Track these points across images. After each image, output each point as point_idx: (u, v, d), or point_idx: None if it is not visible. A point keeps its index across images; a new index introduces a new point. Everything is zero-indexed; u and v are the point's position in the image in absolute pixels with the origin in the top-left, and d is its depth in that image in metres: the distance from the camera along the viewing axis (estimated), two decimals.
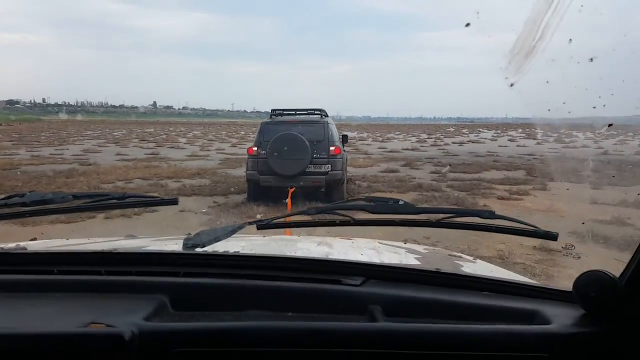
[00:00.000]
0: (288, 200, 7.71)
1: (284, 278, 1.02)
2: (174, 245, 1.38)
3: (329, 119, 8.98)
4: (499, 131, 53.58)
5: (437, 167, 14.90)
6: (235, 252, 1.21)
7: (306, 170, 8.10)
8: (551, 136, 38.49)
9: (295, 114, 9.20)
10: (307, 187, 8.17)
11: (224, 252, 1.18)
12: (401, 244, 1.84)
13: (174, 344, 0.82)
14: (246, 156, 8.86)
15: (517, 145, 27.82)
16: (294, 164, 8.01)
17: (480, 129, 61.07)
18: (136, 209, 8.13)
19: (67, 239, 1.86)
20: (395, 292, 0.99)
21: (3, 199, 1.27)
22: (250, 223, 1.23)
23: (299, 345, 0.84)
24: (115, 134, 38.91)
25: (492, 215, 1.18)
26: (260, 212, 7.56)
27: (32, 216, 1.28)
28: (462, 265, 1.54)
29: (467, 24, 1.37)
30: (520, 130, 57.11)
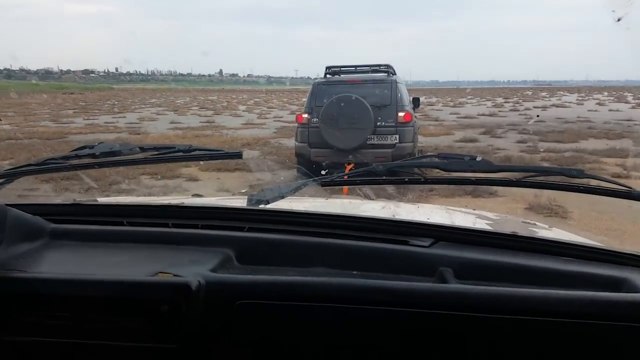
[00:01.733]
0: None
1: (350, 237, 1.02)
2: (239, 202, 1.47)
3: (397, 77, 7.27)
4: (582, 94, 48.86)
5: (522, 136, 12.79)
6: (299, 209, 1.21)
7: (368, 142, 6.54)
8: None
9: (356, 71, 7.54)
10: (368, 164, 6.65)
11: (289, 209, 1.18)
12: (470, 210, 1.79)
13: (238, 296, 0.83)
14: (296, 125, 7.45)
15: (610, 110, 24.45)
16: (352, 134, 6.47)
17: (561, 92, 56.19)
18: (174, 181, 7.10)
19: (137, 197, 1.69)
20: (467, 255, 0.97)
21: (74, 150, 1.27)
22: (314, 180, 1.20)
23: (366, 303, 0.82)
24: (178, 101, 39.07)
25: (580, 173, 1.11)
26: (305, 193, 6.18)
27: (101, 167, 1.29)
28: (537, 232, 1.48)
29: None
30: (606, 93, 51.77)
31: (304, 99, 30.63)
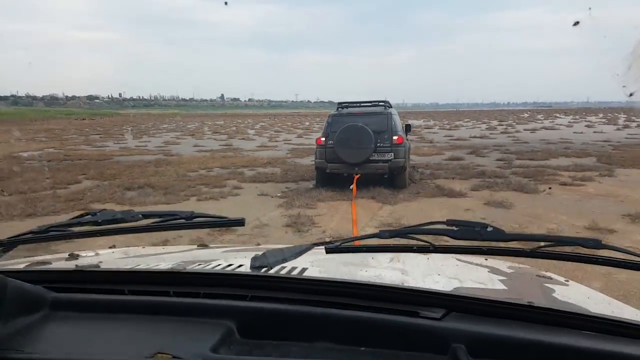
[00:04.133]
0: (353, 186, 8.32)
1: (356, 307, 0.96)
2: (243, 258, 1.42)
3: (392, 110, 9.45)
4: (577, 117, 50.92)
5: (504, 155, 14.84)
6: (304, 275, 1.18)
7: (370, 158, 8.64)
8: (635, 121, 36.15)
9: (360, 106, 9.78)
10: (371, 174, 8.74)
11: (293, 274, 1.17)
12: (482, 259, 1.65)
13: None
14: (314, 146, 9.58)
15: (595, 132, 26.53)
16: (359, 152, 8.59)
17: (557, 115, 58.26)
18: (225, 189, 9.18)
19: (144, 247, 1.97)
20: (480, 330, 0.90)
21: (76, 217, 1.33)
22: (318, 245, 1.18)
23: None
24: (189, 126, 41.42)
25: (597, 244, 1.07)
26: (328, 197, 8.25)
27: (103, 235, 1.29)
28: (554, 290, 1.40)
29: (576, 23, 1.15)
30: (601, 115, 53.88)
31: (307, 123, 33.38)
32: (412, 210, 7.17)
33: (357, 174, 8.61)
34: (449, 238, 1.11)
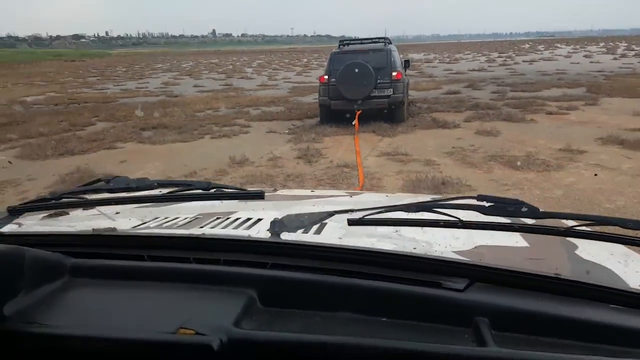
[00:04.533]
0: (356, 121, 8.93)
1: (378, 276, 0.95)
2: (262, 210, 1.46)
3: (391, 46, 9.84)
4: (577, 46, 50.39)
5: (499, 88, 15.29)
6: (325, 242, 1.14)
7: (371, 94, 9.18)
8: (634, 50, 35.99)
9: (361, 44, 10.16)
10: (372, 109, 9.31)
11: (314, 242, 1.12)
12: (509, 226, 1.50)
13: (263, 357, 0.82)
14: (314, 84, 10.09)
15: (591, 62, 26.68)
16: (360, 89, 9.09)
17: (559, 45, 57.54)
18: (234, 127, 9.80)
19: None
20: (505, 302, 0.89)
21: (89, 184, 1.30)
22: (339, 212, 1.16)
23: None
24: (184, 65, 41.03)
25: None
26: (333, 132, 8.88)
27: (117, 204, 1.26)
28: (585, 261, 1.28)
29: None
30: (602, 44, 53.33)
31: (304, 60, 33.23)
32: (409, 141, 7.84)
33: (358, 110, 9.18)
34: (478, 213, 1.05)
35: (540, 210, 1.02)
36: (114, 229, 1.24)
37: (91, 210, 1.49)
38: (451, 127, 8.81)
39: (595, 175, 5.52)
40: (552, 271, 0.96)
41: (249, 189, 1.32)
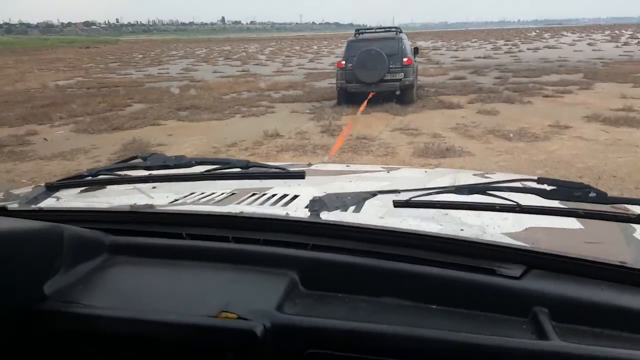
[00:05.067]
0: (364, 102, 9.96)
1: (427, 261, 0.90)
2: (297, 187, 1.44)
3: (402, 35, 10.89)
4: (583, 34, 50.78)
5: (502, 74, 16.20)
6: (368, 223, 1.04)
7: (384, 78, 10.23)
8: (638, 37, 36.37)
9: (375, 32, 11.22)
10: (385, 92, 10.37)
11: (356, 223, 1.03)
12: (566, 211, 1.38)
13: (307, 344, 0.79)
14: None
15: (594, 50, 27.37)
16: (375, 73, 10.13)
17: (565, 33, 57.75)
18: (260, 108, 10.91)
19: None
20: (564, 291, 0.83)
21: (125, 160, 1.28)
22: (383, 192, 1.10)
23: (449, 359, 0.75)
24: (198, 52, 42.04)
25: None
26: (347, 113, 9.95)
27: (155, 182, 1.27)
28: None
29: None
30: (607, 32, 53.60)
31: (315, 47, 33.94)
32: (418, 119, 8.91)
33: (372, 92, 10.25)
34: (536, 197, 0.97)
35: (609, 195, 0.95)
36: (152, 206, 1.23)
37: (127, 186, 1.47)
38: (455, 108, 9.88)
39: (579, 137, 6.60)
40: (614, 258, 0.90)
41: (289, 169, 1.25)
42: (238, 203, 1.36)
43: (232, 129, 8.79)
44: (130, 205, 1.22)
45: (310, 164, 2.20)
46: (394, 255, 0.93)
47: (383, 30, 11.35)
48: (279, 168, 1.22)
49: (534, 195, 0.96)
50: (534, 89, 12.10)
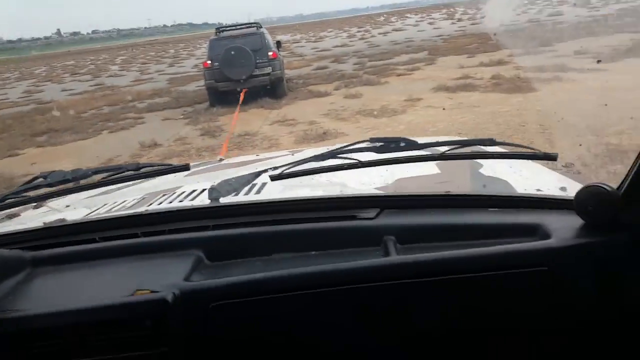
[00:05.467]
0: (240, 99, 10.02)
1: (304, 220, 1.10)
2: (205, 182, 1.57)
3: (264, 30, 11.08)
4: (424, 15, 55.86)
5: (359, 59, 17.33)
6: (256, 200, 1.29)
7: (253, 73, 10.34)
8: (468, 14, 41.29)
9: (236, 29, 11.28)
10: (256, 87, 10.50)
11: (247, 201, 1.27)
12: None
13: (210, 299, 0.91)
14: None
15: (434, 28, 30.34)
16: (243, 69, 10.17)
17: (409, 15, 62.93)
18: (128, 121, 10.32)
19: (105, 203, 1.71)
20: (407, 221, 1.06)
21: (28, 182, 1.33)
22: (261, 172, 1.24)
23: (322, 287, 0.92)
24: (37, 71, 37.84)
25: (492, 142, 1.20)
26: (222, 113, 9.92)
27: (60, 196, 1.34)
28: (481, 175, 1.50)
29: None
30: (444, 11, 59.77)
31: (172, 51, 32.44)
32: (293, 110, 9.27)
33: (244, 89, 10.32)
34: (374, 153, 1.17)
35: (419, 142, 1.17)
36: (64, 219, 1.33)
37: (41, 208, 1.56)
38: (324, 96, 10.44)
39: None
40: (455, 190, 1.15)
41: (175, 164, 1.35)
42: (149, 205, 1.48)
43: (103, 147, 8.27)
44: (43, 222, 1.32)
45: (221, 159, 2.36)
46: (279, 220, 1.13)
47: (244, 26, 11.43)
48: (166, 165, 1.33)
49: (371, 152, 1.17)
50: (388, 69, 13.24)
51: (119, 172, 1.29)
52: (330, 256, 1.03)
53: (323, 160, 1.19)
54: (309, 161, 1.20)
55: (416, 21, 43.93)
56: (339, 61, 17.88)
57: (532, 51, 12.27)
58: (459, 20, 35.49)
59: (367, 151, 1.18)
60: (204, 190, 1.50)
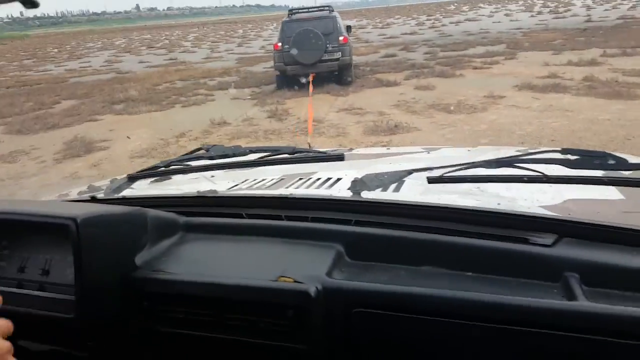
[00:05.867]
0: (310, 84, 10.01)
1: (463, 233, 0.96)
2: (339, 171, 1.55)
3: (335, 13, 10.98)
4: (499, 5, 53.41)
5: (430, 49, 16.82)
6: (405, 200, 1.14)
7: (322, 58, 10.27)
8: (549, 6, 39.03)
9: (308, 12, 11.23)
10: (324, 72, 10.45)
11: (395, 200, 1.15)
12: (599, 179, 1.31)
13: (354, 303, 0.87)
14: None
15: (511, 20, 28.94)
16: (313, 53, 10.13)
17: (482, 4, 60.43)
18: (199, 97, 10.64)
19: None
20: (594, 257, 0.86)
21: (191, 152, 1.44)
22: (418, 170, 1.14)
23: (484, 320, 0.79)
24: (117, 43, 39.87)
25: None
26: (289, 97, 9.97)
27: (218, 169, 1.38)
28: None
29: None
30: (521, 2, 56.84)
31: (240, 31, 33.08)
32: (360, 98, 9.14)
33: (312, 74, 10.29)
34: (563, 167, 1.01)
35: (629, 161, 0.99)
36: (215, 191, 1.39)
37: (192, 174, 1.63)
38: (393, 85, 10.21)
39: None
40: None
41: (329, 152, 1.40)
42: (287, 187, 1.49)
43: (176, 120, 8.57)
44: (197, 191, 1.37)
45: (351, 149, 2.32)
46: (432, 228, 1.00)
47: (316, 9, 11.35)
48: (321, 152, 1.36)
49: (559, 166, 1.01)
50: (463, 61, 12.71)
51: (275, 154, 1.34)
52: (491, 283, 0.89)
53: (497, 167, 1.06)
54: (478, 166, 1.08)
55: (490, 12, 42.05)
56: (408, 49, 17.45)
57: (631, 52, 11.37)
58: (539, 13, 33.58)
59: (554, 163, 1.02)
60: (339, 179, 1.48)
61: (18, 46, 46.46)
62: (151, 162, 6.15)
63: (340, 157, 1.28)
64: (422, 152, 2.04)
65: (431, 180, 1.09)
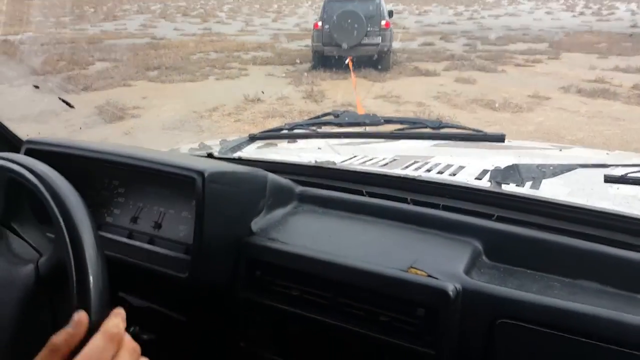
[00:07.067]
0: (350, 66, 9.80)
1: (633, 247, 0.81)
2: (459, 157, 1.35)
3: None
4: (539, 3, 51.81)
5: (470, 41, 16.37)
6: (564, 200, 0.95)
7: (362, 41, 10.06)
8: (591, 8, 37.76)
9: None
10: (362, 56, 10.23)
11: (550, 198, 0.95)
12: None
13: (499, 313, 0.74)
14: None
15: (552, 19, 28.03)
16: (352, 36, 9.91)
17: (521, 0, 58.77)
18: (232, 71, 10.55)
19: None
20: None
21: (320, 116, 1.36)
22: (584, 166, 1.00)
23: None
24: (152, 7, 39.80)
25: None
26: (324, 78, 9.80)
27: (346, 138, 1.30)
28: None
29: None
30: (562, 1, 55.05)
31: (275, 6, 32.57)
32: (398, 86, 8.92)
33: (350, 57, 10.08)
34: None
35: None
36: (334, 163, 1.26)
37: (314, 141, 1.53)
38: (432, 75, 9.95)
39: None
40: None
41: (489, 133, 1.19)
42: (404, 168, 1.32)
43: (209, 93, 8.49)
44: (316, 161, 1.27)
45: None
46: (593, 236, 0.86)
47: None
48: (476, 130, 1.18)
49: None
50: (504, 57, 12.33)
51: (414, 127, 1.22)
52: None
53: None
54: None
55: (531, 8, 40.75)
56: (447, 39, 17.00)
57: None
58: (581, 14, 32.43)
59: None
60: (462, 167, 1.30)
61: (56, 3, 46.81)
62: (184, 135, 6.16)
63: (500, 138, 1.15)
64: (554, 149, 1.76)
65: (608, 179, 0.94)
